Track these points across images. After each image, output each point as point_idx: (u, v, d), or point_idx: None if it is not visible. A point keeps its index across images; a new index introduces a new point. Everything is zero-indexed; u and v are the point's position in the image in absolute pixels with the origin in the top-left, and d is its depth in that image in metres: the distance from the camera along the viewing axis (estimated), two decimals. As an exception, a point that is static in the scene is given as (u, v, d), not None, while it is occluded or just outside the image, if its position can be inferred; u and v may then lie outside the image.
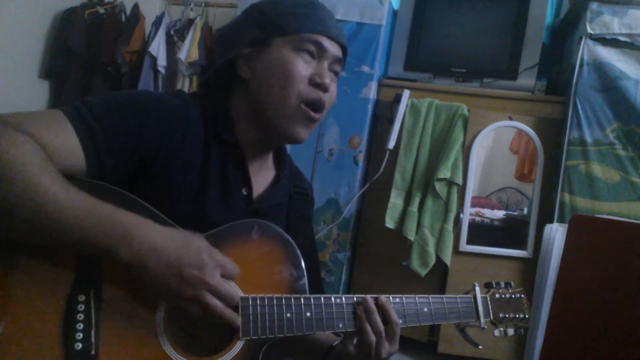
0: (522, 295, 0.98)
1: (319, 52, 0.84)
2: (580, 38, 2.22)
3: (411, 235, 2.34)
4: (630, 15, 2.15)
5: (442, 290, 2.36)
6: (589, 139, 2.18)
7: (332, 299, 0.78)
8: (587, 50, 2.19)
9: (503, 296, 0.95)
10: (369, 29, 2.56)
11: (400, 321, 0.82)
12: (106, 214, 0.65)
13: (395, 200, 2.42)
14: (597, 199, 2.16)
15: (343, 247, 2.53)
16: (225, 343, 0.72)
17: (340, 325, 0.78)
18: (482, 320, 0.91)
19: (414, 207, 2.37)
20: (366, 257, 2.57)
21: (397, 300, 0.83)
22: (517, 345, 2.29)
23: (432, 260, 2.30)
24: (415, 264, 2.32)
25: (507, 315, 0.94)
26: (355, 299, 0.80)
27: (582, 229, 1.26)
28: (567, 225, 1.41)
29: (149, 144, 0.75)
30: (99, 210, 0.64)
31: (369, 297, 0.80)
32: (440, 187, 2.32)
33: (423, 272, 2.31)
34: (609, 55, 2.17)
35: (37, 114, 0.69)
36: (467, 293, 0.93)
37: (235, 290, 0.72)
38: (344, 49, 0.88)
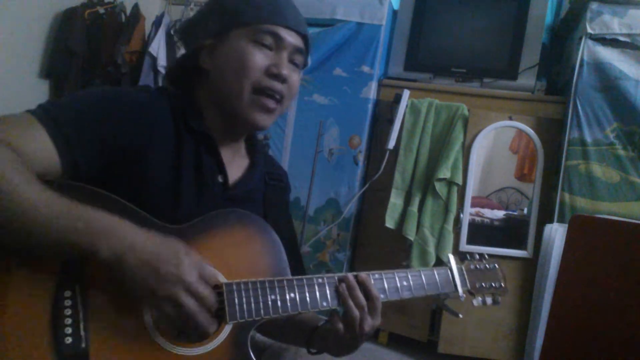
0: (497, 265, 1.01)
1: (277, 43, 0.84)
2: (580, 38, 2.22)
3: (411, 235, 2.34)
4: (630, 15, 2.15)
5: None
6: (589, 139, 2.18)
7: (314, 279, 0.80)
8: (587, 50, 2.19)
9: (477, 267, 0.98)
10: (369, 29, 2.56)
11: (382, 296, 0.83)
12: (84, 214, 0.65)
13: (395, 200, 2.42)
14: (597, 199, 2.16)
15: (343, 247, 2.53)
16: (213, 328, 0.73)
17: (325, 304, 0.80)
18: (460, 290, 0.93)
19: (414, 207, 2.37)
20: (366, 257, 2.57)
21: (377, 276, 0.85)
22: (517, 345, 2.29)
23: (432, 261, 2.30)
24: (415, 264, 2.32)
25: (483, 285, 0.97)
26: (336, 277, 0.82)
27: (582, 229, 1.26)
28: (567, 225, 1.41)
29: (118, 138, 0.75)
30: (76, 211, 0.64)
31: (350, 275, 0.82)
32: (440, 187, 2.32)
33: (423, 272, 2.30)
34: (609, 55, 2.17)
35: (7, 119, 0.69)
36: (443, 265, 0.95)
37: (213, 293, 0.70)
38: (304, 38, 0.88)
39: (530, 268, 2.27)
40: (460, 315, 1.00)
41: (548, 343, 1.26)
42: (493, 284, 0.98)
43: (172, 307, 0.66)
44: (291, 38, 0.85)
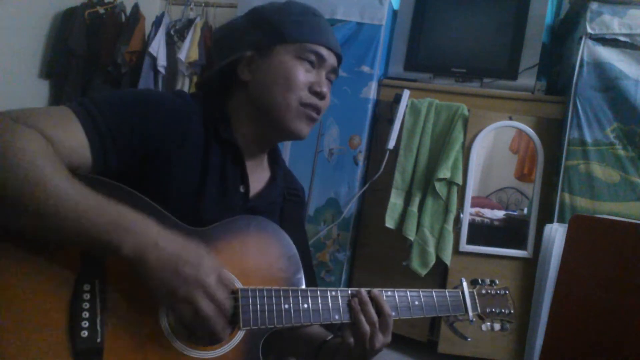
0: (507, 292, 1.02)
1: (319, 62, 0.88)
2: (580, 38, 2.22)
3: (411, 235, 2.34)
4: (630, 15, 2.15)
5: (442, 290, 2.36)
6: (589, 139, 2.18)
7: (328, 291, 0.81)
8: (587, 50, 2.20)
9: (488, 292, 0.99)
10: (369, 29, 2.56)
11: (393, 313, 0.84)
12: (111, 210, 0.65)
13: (395, 200, 2.42)
14: (597, 199, 2.16)
15: (343, 247, 2.53)
16: (226, 334, 0.73)
17: (337, 317, 0.81)
18: (471, 314, 0.95)
19: (414, 207, 2.37)
20: (366, 257, 2.57)
21: (390, 293, 0.86)
22: (517, 345, 2.29)
23: (432, 261, 2.30)
24: (415, 264, 2.32)
25: (493, 310, 0.98)
26: (349, 291, 0.83)
27: (582, 229, 1.26)
28: (567, 225, 1.41)
29: (152, 141, 0.77)
30: (103, 206, 0.65)
31: (363, 290, 0.84)
32: (440, 187, 2.32)
33: (423, 272, 2.31)
34: (609, 55, 2.17)
35: (45, 110, 0.70)
36: (455, 288, 0.96)
37: (230, 299, 0.71)
38: (339, 59, 0.93)
39: (530, 268, 2.27)
40: (469, 339, 1.01)
41: (548, 343, 1.26)
42: (503, 310, 0.99)
43: (188, 309, 0.67)
44: (331, 58, 0.90)
